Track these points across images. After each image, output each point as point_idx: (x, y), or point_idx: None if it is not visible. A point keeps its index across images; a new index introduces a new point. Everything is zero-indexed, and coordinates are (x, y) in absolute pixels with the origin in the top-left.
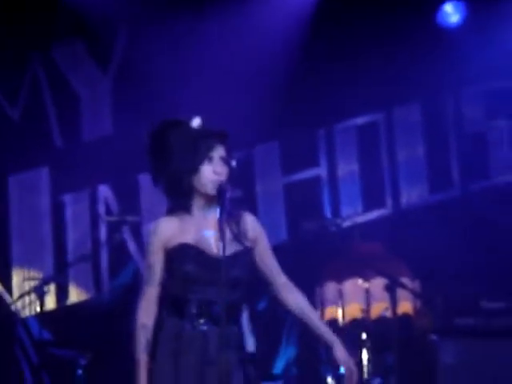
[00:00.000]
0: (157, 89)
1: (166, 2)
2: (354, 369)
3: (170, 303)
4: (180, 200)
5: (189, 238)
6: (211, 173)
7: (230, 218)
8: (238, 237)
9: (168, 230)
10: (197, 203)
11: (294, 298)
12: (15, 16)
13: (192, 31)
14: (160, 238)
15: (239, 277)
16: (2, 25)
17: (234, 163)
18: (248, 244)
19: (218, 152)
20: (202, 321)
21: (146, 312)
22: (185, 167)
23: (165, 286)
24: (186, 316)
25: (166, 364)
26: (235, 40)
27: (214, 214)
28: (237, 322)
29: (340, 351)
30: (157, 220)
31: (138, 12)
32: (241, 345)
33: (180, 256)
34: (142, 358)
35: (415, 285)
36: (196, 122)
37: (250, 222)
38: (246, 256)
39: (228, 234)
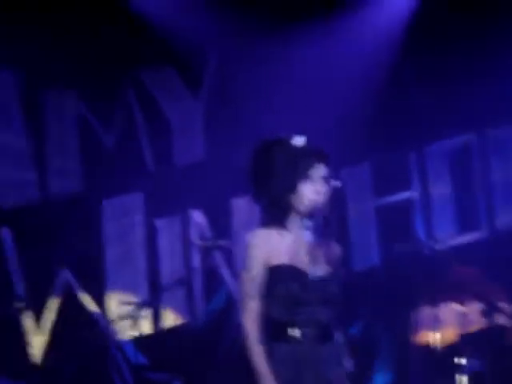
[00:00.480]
0: (247, 113)
1: (255, 27)
2: None
3: (275, 326)
4: (278, 216)
5: (288, 255)
6: (311, 192)
7: (323, 242)
8: (330, 259)
9: (269, 244)
10: (294, 220)
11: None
12: (106, 42)
13: (281, 55)
14: (262, 252)
15: (337, 296)
16: (93, 50)
17: (336, 182)
18: (335, 268)
19: (319, 171)
20: (314, 342)
21: (255, 326)
22: (285, 185)
23: (265, 307)
24: (296, 339)
25: None
26: (325, 64)
27: (309, 233)
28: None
29: None
30: (254, 232)
31: (227, 36)
32: (341, 361)
33: (284, 276)
34: (267, 371)
35: None
36: (297, 141)
37: (338, 253)
38: (339, 278)
39: (321, 256)
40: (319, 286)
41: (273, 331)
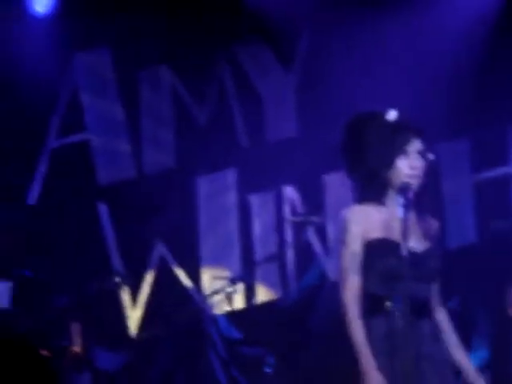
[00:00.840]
0: (340, 88)
1: (347, 2)
2: None
3: (372, 300)
4: (374, 192)
5: (386, 232)
6: (407, 167)
7: (420, 217)
8: (429, 234)
9: (366, 220)
10: (390, 196)
11: (438, 314)
12: (199, 18)
13: (374, 29)
14: (360, 227)
15: (436, 270)
16: (187, 26)
17: (431, 156)
18: (434, 242)
19: (415, 146)
20: (411, 317)
21: (355, 303)
22: (381, 161)
23: (364, 283)
24: (394, 313)
25: (381, 364)
26: (420, 39)
27: (404, 208)
28: (431, 314)
29: (470, 377)
30: (352, 208)
31: (320, 11)
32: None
33: (381, 251)
34: (367, 350)
35: None
36: (392, 115)
37: (436, 229)
38: (436, 252)
39: (418, 231)
40: (417, 261)
41: (370, 306)
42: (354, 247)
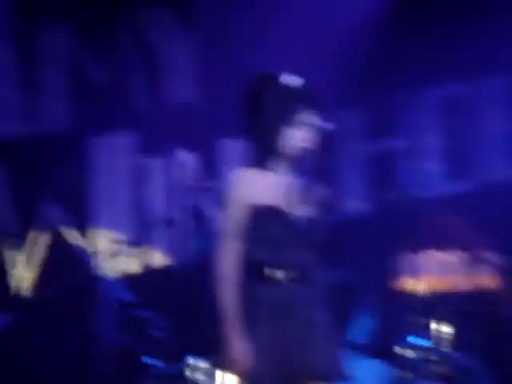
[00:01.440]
0: (239, 51)
1: None
2: None
3: (256, 267)
4: (263, 157)
5: (272, 197)
6: (297, 138)
7: (310, 185)
8: (316, 204)
9: (250, 184)
10: (280, 164)
11: None
12: None
13: None
14: (242, 191)
15: (319, 239)
16: None
17: (329, 126)
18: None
19: (309, 117)
20: (292, 283)
21: (232, 267)
22: (271, 127)
23: (247, 248)
24: (273, 280)
25: (263, 332)
26: (323, 5)
27: (294, 176)
28: (316, 283)
29: None
30: (236, 171)
31: None
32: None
33: (265, 217)
34: (235, 317)
35: (498, 258)
36: (291, 80)
37: (326, 197)
38: (323, 221)
39: (306, 199)
40: (301, 228)
41: (251, 272)
42: (235, 211)
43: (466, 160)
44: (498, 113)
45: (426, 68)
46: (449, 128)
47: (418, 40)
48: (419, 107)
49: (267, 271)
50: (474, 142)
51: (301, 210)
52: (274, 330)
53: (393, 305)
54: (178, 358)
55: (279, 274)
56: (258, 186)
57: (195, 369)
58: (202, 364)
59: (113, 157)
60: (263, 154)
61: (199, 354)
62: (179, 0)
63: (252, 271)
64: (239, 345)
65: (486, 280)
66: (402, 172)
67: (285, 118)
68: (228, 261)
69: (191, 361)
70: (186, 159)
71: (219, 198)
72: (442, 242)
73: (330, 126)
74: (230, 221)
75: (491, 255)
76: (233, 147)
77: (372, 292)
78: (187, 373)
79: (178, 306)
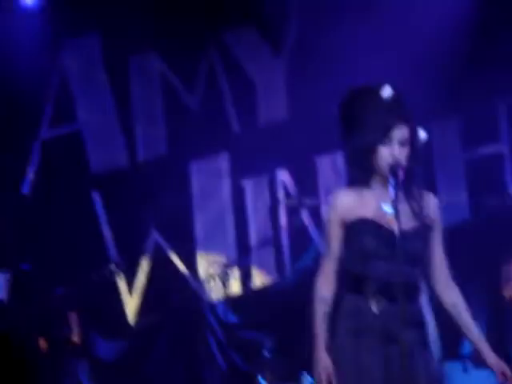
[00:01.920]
0: (330, 71)
1: None
2: (509, 373)
3: (349, 279)
4: (359, 174)
5: (367, 212)
6: (388, 155)
7: (410, 195)
8: (418, 214)
9: (346, 203)
10: (376, 178)
11: (449, 294)
12: (187, 2)
13: (365, 8)
14: (338, 211)
15: (419, 252)
16: (177, 12)
17: (423, 138)
18: (427, 222)
19: (399, 133)
20: (382, 298)
21: (325, 285)
22: (363, 145)
23: (343, 262)
24: (366, 293)
25: (347, 342)
26: (411, 13)
27: (392, 190)
28: (416, 299)
29: (490, 358)
30: (336, 192)
31: None
32: (423, 324)
33: (359, 230)
34: (321, 327)
35: None
36: (386, 92)
37: (432, 204)
38: (425, 232)
39: (408, 211)
40: (400, 242)
41: (347, 283)
42: (331, 233)
43: None
44: None
45: None
46: None
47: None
48: None
49: (359, 284)
50: None
51: (401, 223)
52: (358, 342)
53: (504, 314)
54: (289, 378)
55: (371, 288)
56: (355, 204)
57: None
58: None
59: (212, 180)
60: (360, 171)
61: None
62: (269, 20)
63: (347, 282)
64: (323, 358)
65: None
66: (505, 178)
67: (378, 135)
68: (321, 279)
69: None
70: (285, 178)
71: (319, 215)
72: None
73: (424, 137)
74: (331, 241)
75: None
76: (329, 163)
77: (483, 301)
78: None
79: (282, 326)
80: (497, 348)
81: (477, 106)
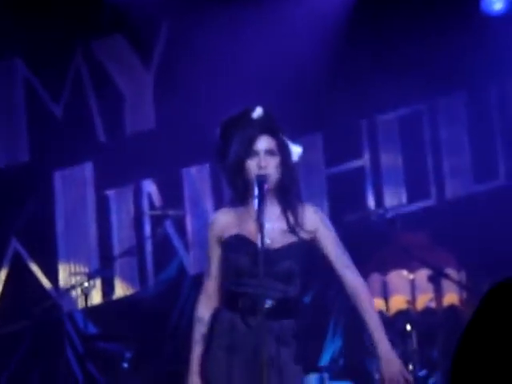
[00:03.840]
0: (198, 83)
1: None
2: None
3: (225, 296)
4: (235, 192)
5: (241, 229)
6: (255, 166)
7: (287, 210)
8: (294, 228)
9: (222, 222)
10: (251, 196)
11: (352, 284)
12: (56, 10)
13: (232, 27)
14: (215, 230)
15: (291, 269)
16: (43, 19)
17: (298, 151)
18: (305, 236)
19: (265, 143)
20: (254, 316)
21: (204, 305)
22: (231, 161)
23: (222, 279)
24: (240, 310)
25: (219, 359)
26: (276, 30)
27: (270, 206)
28: (294, 315)
29: (384, 353)
30: (215, 212)
31: (179, 6)
32: (296, 340)
33: (231, 247)
34: (195, 350)
35: (461, 275)
36: (257, 113)
37: (308, 214)
38: (299, 248)
39: (284, 226)
40: (271, 259)
41: (224, 301)
42: (210, 252)
43: (426, 177)
44: (458, 129)
45: (384, 87)
46: (407, 147)
47: (375, 58)
48: (380, 126)
49: (230, 301)
50: (434, 159)
51: (272, 239)
52: (232, 360)
53: (358, 325)
54: None
55: (244, 305)
56: (231, 222)
57: None
58: None
59: (76, 189)
60: (235, 188)
61: None
62: (139, 30)
63: (225, 300)
64: (194, 380)
65: (450, 298)
66: (365, 193)
67: (245, 146)
68: (200, 298)
69: None
70: (150, 188)
71: (183, 227)
72: (405, 261)
73: (299, 152)
74: (210, 260)
75: (453, 271)
76: (194, 175)
77: (343, 312)
78: None
79: (143, 337)
80: (352, 360)
81: (339, 123)
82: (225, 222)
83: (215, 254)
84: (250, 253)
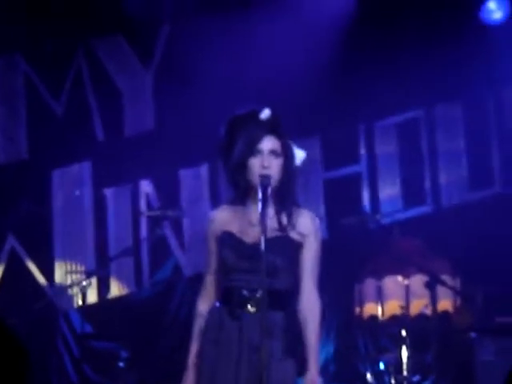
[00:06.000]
0: (197, 83)
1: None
2: None
3: (219, 291)
4: (235, 191)
5: (234, 226)
6: (258, 166)
7: (281, 209)
8: (285, 228)
9: (219, 219)
10: (251, 195)
11: (307, 306)
12: (59, 10)
13: (233, 27)
14: (212, 226)
15: (278, 263)
16: (45, 19)
17: (302, 155)
18: (294, 236)
19: (269, 143)
20: (242, 309)
21: (204, 300)
22: (235, 160)
23: (219, 274)
24: (230, 304)
25: (207, 352)
26: (276, 35)
27: (260, 204)
28: (282, 309)
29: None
30: (213, 210)
31: (180, 6)
32: (286, 333)
33: (222, 243)
34: (193, 345)
35: (455, 282)
36: (264, 114)
37: (303, 218)
38: (286, 243)
39: (275, 225)
40: (257, 253)
41: (219, 296)
42: (208, 247)
43: (422, 184)
44: (455, 136)
45: (383, 93)
46: (406, 152)
47: (374, 64)
48: (377, 132)
49: (227, 297)
50: (430, 166)
51: (260, 236)
52: (219, 353)
53: (351, 330)
54: None
55: (234, 300)
56: (227, 219)
57: None
58: None
59: (74, 188)
60: (236, 188)
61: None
62: (140, 30)
63: (220, 296)
64: (188, 375)
65: (444, 304)
66: (361, 197)
67: (249, 146)
68: (201, 293)
69: None
70: (147, 189)
71: (180, 227)
72: (401, 267)
73: (303, 155)
74: (209, 256)
75: (448, 278)
76: (192, 176)
77: (335, 318)
78: None
79: (138, 336)
80: (345, 364)
81: (337, 128)
82: (221, 218)
83: (213, 250)
84: (236, 249)
